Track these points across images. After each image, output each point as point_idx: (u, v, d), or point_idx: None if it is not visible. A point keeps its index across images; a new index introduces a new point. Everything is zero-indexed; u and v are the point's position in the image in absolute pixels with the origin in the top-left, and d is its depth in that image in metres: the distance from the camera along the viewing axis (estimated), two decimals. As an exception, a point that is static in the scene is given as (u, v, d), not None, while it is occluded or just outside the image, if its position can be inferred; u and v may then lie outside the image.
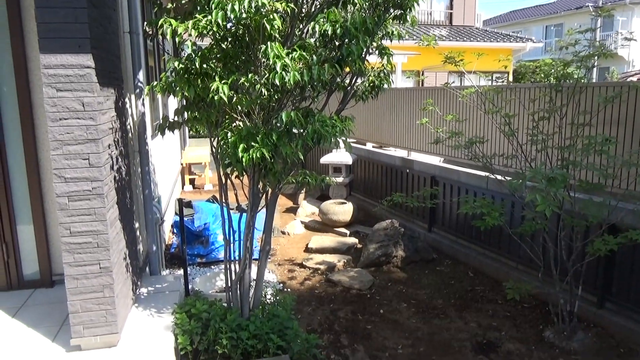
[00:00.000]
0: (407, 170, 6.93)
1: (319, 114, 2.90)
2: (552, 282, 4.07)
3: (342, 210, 7.00)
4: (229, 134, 3.00)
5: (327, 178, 3.56)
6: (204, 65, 2.83)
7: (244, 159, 2.80)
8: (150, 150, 4.72)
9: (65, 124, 2.87)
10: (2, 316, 3.60)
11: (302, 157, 2.98)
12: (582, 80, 4.00)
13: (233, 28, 2.74)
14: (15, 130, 3.76)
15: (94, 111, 2.89)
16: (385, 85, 3.66)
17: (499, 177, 4.26)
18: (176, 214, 6.98)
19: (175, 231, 6.80)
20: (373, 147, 8.33)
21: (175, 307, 3.65)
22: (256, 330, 3.50)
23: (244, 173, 3.08)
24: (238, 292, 3.74)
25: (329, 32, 2.70)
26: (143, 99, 4.16)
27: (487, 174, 4.64)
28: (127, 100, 3.98)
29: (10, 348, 3.16)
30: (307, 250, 6.30)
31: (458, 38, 15.52)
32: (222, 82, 2.74)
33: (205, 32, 2.67)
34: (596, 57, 3.95)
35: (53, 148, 2.88)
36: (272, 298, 4.17)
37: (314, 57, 2.73)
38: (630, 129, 3.99)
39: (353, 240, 6.47)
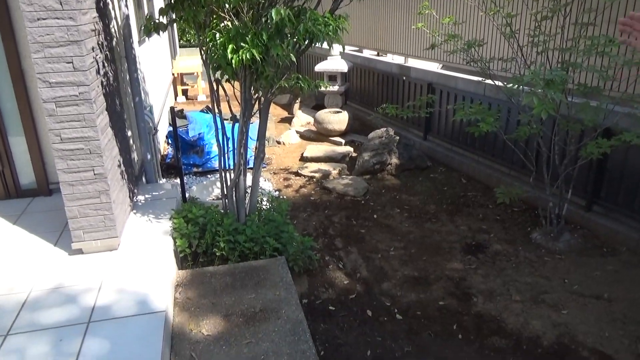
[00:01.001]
0: (404, 78, 6.78)
1: (311, 12, 2.75)
2: (544, 186, 4.13)
3: (337, 119, 6.94)
4: (217, 35, 2.87)
5: (320, 82, 3.47)
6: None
7: (233, 61, 2.71)
8: (138, 56, 4.55)
9: (44, 24, 2.72)
10: (3, 223, 3.67)
11: (294, 59, 2.88)
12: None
13: None
14: (-6, 34, 3.59)
15: (73, 10, 2.74)
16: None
17: (497, 82, 4.17)
18: (170, 124, 6.92)
19: (170, 141, 6.78)
20: (371, 54, 8.08)
21: (173, 212, 3.72)
22: (253, 234, 3.60)
23: (235, 77, 2.99)
24: (234, 198, 3.79)
25: None
26: (126, 0, 3.93)
27: (484, 79, 4.53)
28: (108, 0, 3.77)
29: (14, 253, 3.26)
30: (303, 159, 6.33)
31: None
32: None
33: None
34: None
35: (34, 51, 2.76)
36: (267, 204, 4.24)
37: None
38: (635, 29, 3.83)
39: (348, 149, 6.49)
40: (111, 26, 3.73)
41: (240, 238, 3.54)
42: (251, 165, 5.77)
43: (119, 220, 3.30)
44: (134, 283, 2.90)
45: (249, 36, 2.74)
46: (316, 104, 8.45)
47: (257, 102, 3.69)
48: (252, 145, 6.74)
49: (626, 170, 3.93)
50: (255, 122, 7.59)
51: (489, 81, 4.36)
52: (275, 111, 9.04)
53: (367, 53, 8.19)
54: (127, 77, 4.14)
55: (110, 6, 3.85)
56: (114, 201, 3.20)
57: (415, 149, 5.98)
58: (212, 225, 3.55)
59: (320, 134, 7.13)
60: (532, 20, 4.09)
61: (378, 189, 5.42)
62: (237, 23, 2.87)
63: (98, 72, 3.13)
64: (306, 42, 2.73)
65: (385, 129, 6.11)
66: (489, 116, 4.05)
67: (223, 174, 3.87)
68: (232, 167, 3.85)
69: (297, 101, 8.62)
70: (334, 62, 7.56)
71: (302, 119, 7.82)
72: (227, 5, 2.88)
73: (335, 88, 7.60)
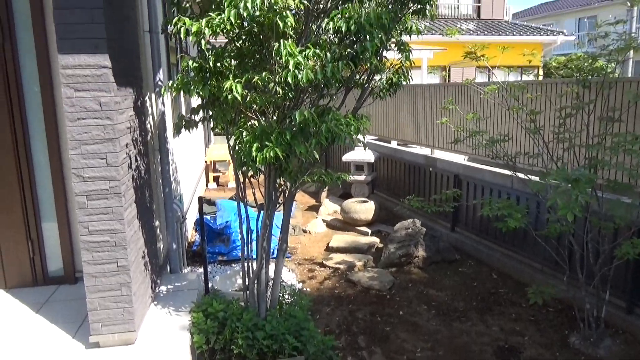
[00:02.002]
0: (430, 169, 6.82)
1: (333, 113, 2.85)
2: (578, 285, 3.92)
3: (363, 208, 6.94)
4: (244, 133, 2.99)
5: (344, 175, 3.51)
6: (218, 64, 2.82)
7: (257, 159, 2.78)
8: (171, 148, 4.76)
9: (83, 124, 2.90)
10: (26, 312, 3.69)
11: (317, 156, 2.94)
12: (611, 75, 3.84)
13: (247, 26, 2.72)
14: (40, 129, 3.82)
15: (111, 111, 2.92)
16: (404, 83, 3.58)
17: (521, 175, 4.14)
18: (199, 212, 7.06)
19: (197, 229, 6.85)
20: (398, 144, 8.23)
21: (193, 305, 3.67)
22: (272, 330, 3.49)
23: (259, 172, 3.06)
24: (255, 291, 3.73)
25: (343, 29, 2.65)
26: (163, 98, 4.19)
27: (512, 172, 4.51)
28: (147, 99, 4.02)
29: (33, 344, 3.23)
30: (328, 249, 6.27)
31: (486, 32, 15.19)
32: (236, 80, 2.72)
33: (219, 30, 2.65)
34: (632, 51, 3.78)
35: (72, 147, 2.92)
36: (289, 298, 4.15)
37: (328, 54, 2.69)
38: (663, 127, 3.81)
39: (374, 239, 6.41)
40: (147, 122, 3.95)
41: (259, 335, 3.43)
42: (275, 255, 5.73)
43: (138, 313, 3.26)
44: (146, 382, 2.80)
45: (274, 135, 2.84)
46: (343, 192, 8.51)
47: (281, 195, 3.74)
48: (277, 233, 6.75)
49: (667, 271, 3.72)
50: (281, 209, 7.62)
51: (519, 174, 4.33)
52: (303, 199, 9.13)
53: (394, 143, 8.35)
54: (159, 168, 4.30)
55: (148, 104, 4.10)
56: (135, 293, 3.19)
57: (442, 241, 5.86)
58: (232, 321, 3.47)
59: (346, 223, 7.11)
60: (556, 117, 4.12)
61: (404, 282, 5.26)
62: (263, 122, 2.99)
63: (130, 166, 3.26)
64: (328, 141, 2.80)
65: (411, 220, 6.05)
66: (516, 212, 3.97)
67: (245, 265, 3.85)
68: (255, 257, 3.83)
69: (324, 189, 8.72)
70: (361, 153, 7.71)
71: (329, 208, 7.86)
72: (254, 106, 3.01)
73: (362, 177, 7.69)
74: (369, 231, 6.87)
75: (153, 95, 4.19)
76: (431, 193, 6.73)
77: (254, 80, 2.74)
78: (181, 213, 5.08)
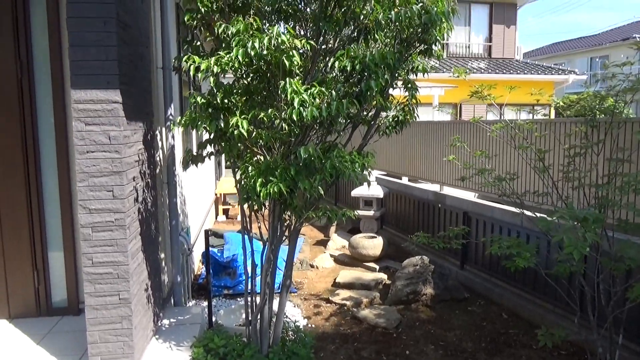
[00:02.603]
0: (439, 205, 6.78)
1: (338, 150, 2.88)
2: (590, 328, 3.81)
3: (371, 244, 6.88)
4: (250, 168, 3.02)
5: (349, 212, 3.50)
6: (225, 100, 2.88)
7: (261, 194, 2.80)
8: (181, 181, 4.81)
9: (92, 157, 2.96)
10: (28, 343, 3.67)
11: (322, 192, 2.95)
12: (620, 115, 3.83)
13: (255, 64, 2.78)
14: (52, 160, 3.90)
15: (120, 144, 2.98)
16: (410, 120, 3.61)
17: (529, 213, 4.10)
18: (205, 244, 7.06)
19: (204, 261, 6.84)
20: (408, 180, 8.22)
21: (194, 340, 3.63)
22: (274, 368, 3.43)
23: (263, 206, 3.07)
24: (257, 327, 3.68)
25: (348, 68, 2.70)
26: (173, 132, 4.26)
27: (522, 210, 4.46)
28: (157, 132, 4.10)
29: (31, 376, 3.21)
30: (335, 284, 6.20)
31: (497, 70, 15.34)
32: (242, 117, 2.77)
33: (227, 68, 2.72)
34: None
35: (79, 180, 2.98)
36: (293, 335, 4.09)
37: (333, 92, 2.73)
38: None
39: (381, 276, 6.33)
40: (156, 155, 4.01)
41: (260, 372, 3.37)
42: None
43: (138, 347, 3.23)
44: (143, 420, 2.75)
45: (278, 171, 2.86)
46: (352, 227, 8.47)
47: (287, 229, 3.74)
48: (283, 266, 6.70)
49: (682, 315, 3.60)
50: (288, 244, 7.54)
51: (527, 212, 4.29)
52: (312, 233, 9.10)
53: (405, 179, 8.34)
54: (167, 201, 4.33)
55: (158, 138, 4.18)
56: (135, 327, 3.17)
57: (452, 279, 5.76)
58: (232, 357, 3.42)
59: (354, 259, 7.04)
60: (564, 156, 4.10)
61: (412, 321, 5.16)
62: (268, 158, 3.02)
63: (136, 199, 3.30)
64: (333, 177, 2.82)
65: (420, 257, 5.98)
66: (525, 250, 3.91)
67: (249, 300, 3.81)
68: (258, 291, 3.80)
69: (333, 224, 8.69)
70: (370, 188, 7.71)
71: (338, 243, 7.81)
72: (260, 142, 3.05)
73: (371, 213, 7.66)
74: (377, 267, 6.79)
75: (163, 130, 4.28)
76: (440, 229, 6.67)
77: (260, 116, 2.79)
78: (187, 245, 5.08)
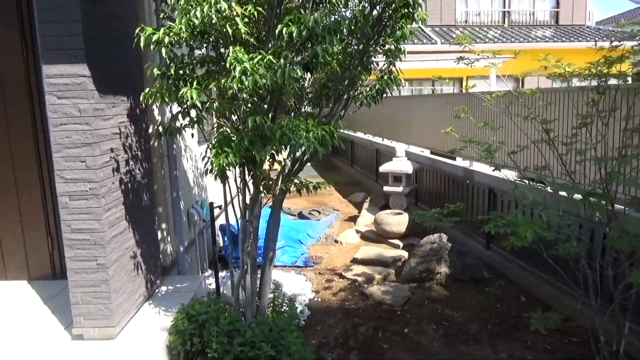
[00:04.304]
0: (467, 182, 6.46)
1: (290, 119, 2.80)
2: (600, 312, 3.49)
3: (396, 221, 6.72)
4: (213, 139, 3.03)
5: (322, 184, 3.43)
6: (180, 72, 2.90)
7: (214, 165, 2.81)
8: (184, 154, 4.94)
9: (64, 129, 3.11)
10: (37, 302, 3.99)
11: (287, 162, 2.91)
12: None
13: (207, 33, 2.76)
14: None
15: (90, 117, 3.10)
16: (395, 91, 3.44)
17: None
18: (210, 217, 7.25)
19: (224, 234, 7.03)
20: (438, 157, 7.90)
21: (180, 307, 3.76)
22: (252, 337, 3.47)
23: (222, 178, 3.07)
24: (240, 297, 3.75)
25: (294, 34, 2.60)
26: (171, 106, 4.36)
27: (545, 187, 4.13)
28: (154, 107, 4.21)
29: (28, 332, 3.49)
30: (353, 260, 6.14)
31: (564, 39, 14.17)
32: (194, 87, 2.77)
33: (177, 39, 2.72)
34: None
35: (55, 151, 3.14)
36: (285, 307, 4.12)
37: (282, 60, 2.65)
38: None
39: (402, 253, 6.17)
40: (150, 128, 4.13)
41: (236, 340, 3.43)
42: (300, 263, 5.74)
43: (119, 310, 3.40)
44: (106, 377, 2.91)
45: (235, 141, 2.85)
46: (385, 204, 8.31)
47: (270, 200, 3.71)
48: (306, 241, 6.75)
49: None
50: (324, 218, 7.60)
51: (548, 189, 3.96)
52: (347, 209, 9.04)
53: (430, 153, 8.02)
54: (167, 174, 4.47)
55: (156, 112, 4.30)
56: (115, 290, 3.33)
57: (470, 258, 5.50)
58: (210, 324, 3.50)
59: (379, 235, 6.93)
60: (571, 127, 3.74)
61: (421, 299, 5.00)
62: (227, 129, 3.01)
63: (116, 170, 3.43)
64: (283, 147, 2.76)
65: (439, 234, 5.76)
66: (533, 228, 3.63)
67: (232, 270, 3.88)
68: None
69: (367, 200, 8.58)
70: (399, 164, 7.50)
71: (367, 219, 7.70)
72: (226, 113, 3.05)
73: (400, 189, 7.46)
74: (401, 244, 6.64)
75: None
76: (468, 206, 6.37)
77: (210, 86, 2.78)
78: (200, 217, 5.24)
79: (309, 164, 14.38)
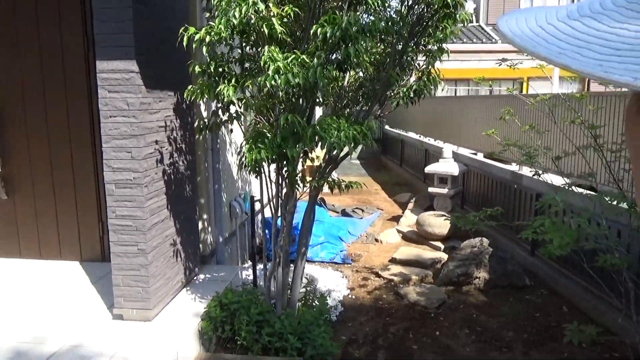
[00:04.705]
0: (515, 186, 6.27)
1: (323, 118, 2.86)
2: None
3: (438, 222, 6.63)
4: (248, 135, 3.14)
5: (354, 184, 3.46)
6: (220, 69, 3.02)
7: (247, 160, 2.91)
8: (228, 148, 5.11)
9: (113, 121, 3.32)
10: (85, 282, 4.28)
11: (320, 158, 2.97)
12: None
13: (246, 32, 2.87)
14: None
15: (137, 110, 3.29)
16: (429, 91, 3.42)
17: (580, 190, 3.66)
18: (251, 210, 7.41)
19: (265, 228, 7.18)
20: (487, 159, 7.69)
21: (214, 295, 3.92)
22: (281, 328, 3.58)
23: (257, 171, 3.17)
24: (271, 289, 3.85)
25: (328, 34, 2.65)
26: (216, 102, 4.52)
27: (590, 193, 3.98)
28: (200, 102, 4.39)
29: (75, 310, 3.76)
30: (392, 260, 6.12)
31: None
32: (231, 84, 2.89)
33: (218, 37, 2.84)
34: None
35: (104, 141, 3.36)
36: (317, 302, 4.19)
37: (315, 60, 2.71)
38: None
39: (442, 255, 6.10)
40: (196, 123, 4.31)
41: (265, 331, 3.54)
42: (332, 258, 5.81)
43: (157, 294, 3.60)
44: (141, 356, 3.09)
45: (269, 138, 2.94)
46: (430, 205, 8.20)
47: (307, 196, 3.79)
48: (347, 239, 6.79)
49: None
50: (367, 217, 7.64)
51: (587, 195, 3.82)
52: (391, 208, 9.00)
53: (480, 156, 7.82)
54: (211, 167, 4.65)
55: (202, 108, 4.49)
56: (153, 275, 3.53)
57: (511, 264, 5.35)
58: (241, 313, 3.63)
59: (421, 237, 6.86)
60: (619, 134, 3.58)
61: (456, 303, 4.93)
62: (259, 126, 3.11)
63: (160, 161, 3.62)
64: (315, 144, 2.83)
65: (480, 238, 5.64)
66: (567, 236, 3.51)
67: (265, 263, 3.99)
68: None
69: (412, 200, 8.50)
70: (445, 165, 7.38)
71: (410, 219, 7.64)
72: (262, 110, 3.15)
73: (444, 191, 7.34)
74: (442, 247, 6.55)
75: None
76: (515, 211, 6.19)
77: (247, 84, 2.88)
78: (241, 210, 5.40)
79: (359, 163, 14.39)
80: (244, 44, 3.08)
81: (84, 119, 4.43)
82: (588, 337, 3.42)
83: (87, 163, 4.50)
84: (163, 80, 3.62)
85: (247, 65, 3.14)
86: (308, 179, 3.73)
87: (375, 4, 2.83)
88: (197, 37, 2.91)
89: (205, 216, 4.65)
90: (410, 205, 8.42)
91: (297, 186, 3.41)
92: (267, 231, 6.58)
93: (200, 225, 4.52)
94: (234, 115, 3.46)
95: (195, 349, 3.47)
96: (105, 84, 3.28)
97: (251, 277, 4.82)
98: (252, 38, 2.95)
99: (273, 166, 3.66)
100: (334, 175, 3.65)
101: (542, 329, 4.38)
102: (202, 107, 4.49)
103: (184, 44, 2.95)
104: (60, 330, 3.42)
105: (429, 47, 3.45)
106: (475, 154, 8.21)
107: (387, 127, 14.68)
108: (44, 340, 3.28)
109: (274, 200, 3.64)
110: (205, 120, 3.79)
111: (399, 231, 7.21)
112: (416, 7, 3.16)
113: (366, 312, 4.77)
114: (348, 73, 2.97)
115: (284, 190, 3.68)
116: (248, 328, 3.53)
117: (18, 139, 4.54)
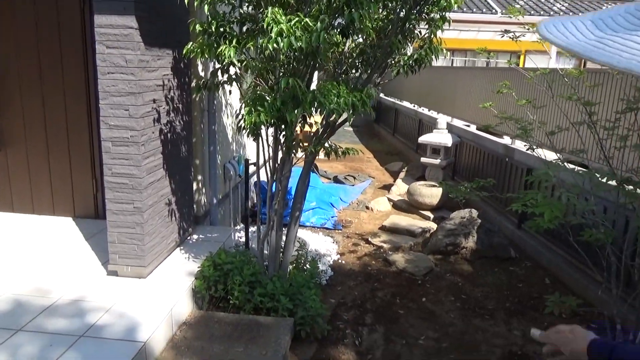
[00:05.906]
0: (507, 159, 6.34)
1: (323, 84, 2.86)
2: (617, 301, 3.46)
3: (429, 192, 6.71)
4: (246, 97, 3.13)
5: (351, 151, 3.49)
6: (221, 29, 2.98)
7: (246, 122, 2.92)
8: (224, 110, 5.08)
9: (111, 78, 3.28)
10: (80, 238, 4.31)
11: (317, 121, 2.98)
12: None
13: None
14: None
15: (135, 67, 3.25)
16: (430, 59, 3.42)
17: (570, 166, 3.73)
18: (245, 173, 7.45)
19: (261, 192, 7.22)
20: (480, 131, 7.74)
21: (208, 255, 3.98)
22: (273, 290, 3.66)
23: (254, 135, 3.18)
24: (264, 252, 3.92)
25: (332, -3, 2.62)
26: (214, 63, 4.47)
27: (581, 169, 4.05)
28: (198, 62, 4.34)
29: (70, 265, 3.80)
30: (382, 227, 6.23)
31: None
32: (232, 45, 2.86)
33: (219, -4, 2.80)
34: None
35: (101, 98, 3.33)
36: (308, 265, 4.28)
37: (319, 24, 2.68)
38: None
39: (431, 225, 6.20)
40: (195, 83, 4.26)
41: (257, 291, 3.63)
42: (326, 223, 5.88)
43: (151, 251, 3.65)
44: (136, 311, 3.16)
45: (268, 101, 2.94)
46: (421, 175, 8.28)
47: (302, 159, 3.82)
48: (339, 205, 6.86)
49: None
50: (359, 184, 7.71)
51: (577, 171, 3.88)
52: (383, 177, 9.07)
53: (473, 127, 7.86)
54: (207, 128, 4.63)
55: (200, 68, 4.43)
56: (148, 233, 3.57)
57: (498, 236, 5.47)
58: (234, 274, 3.71)
59: (411, 206, 6.95)
60: (614, 111, 3.61)
61: (443, 272, 5.06)
62: (258, 89, 3.10)
63: (157, 120, 3.60)
64: (314, 109, 2.83)
65: (469, 210, 5.74)
66: (555, 210, 3.59)
67: (259, 225, 4.05)
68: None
69: (404, 169, 8.57)
70: (439, 136, 7.41)
71: (401, 188, 7.72)
72: (263, 73, 3.13)
73: (437, 161, 7.40)
74: (432, 216, 6.65)
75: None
76: (505, 185, 6.29)
77: (248, 45, 2.85)
78: (235, 172, 5.42)
79: (352, 130, 14.33)
80: (246, 4, 3.03)
81: (79, 74, 4.36)
82: (568, 308, 3.55)
83: (82, 119, 4.46)
84: (162, 37, 3.57)
85: (248, 26, 3.10)
86: (304, 144, 3.75)
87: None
88: (198, -6, 2.86)
89: (199, 177, 4.66)
90: (402, 175, 8.49)
91: (293, 151, 3.42)
92: (261, 195, 6.63)
93: (194, 186, 4.54)
94: (234, 76, 3.44)
95: (189, 306, 3.55)
96: (103, 39, 3.22)
97: (243, 239, 4.89)
98: (255, -1, 2.90)
99: (270, 130, 3.67)
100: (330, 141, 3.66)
101: (524, 299, 4.52)
102: (200, 68, 4.44)
103: (185, 0, 2.90)
104: (56, 283, 3.47)
105: (432, 15, 3.42)
106: (469, 125, 8.24)
107: (381, 95, 14.60)
108: (42, 292, 3.34)
109: (271, 164, 3.65)
110: (204, 80, 3.75)
111: (389, 199, 7.30)
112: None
113: (355, 277, 4.88)
114: (350, 39, 2.94)
115: (280, 155, 3.70)
116: (241, 288, 3.61)
117: (11, 92, 4.47)
